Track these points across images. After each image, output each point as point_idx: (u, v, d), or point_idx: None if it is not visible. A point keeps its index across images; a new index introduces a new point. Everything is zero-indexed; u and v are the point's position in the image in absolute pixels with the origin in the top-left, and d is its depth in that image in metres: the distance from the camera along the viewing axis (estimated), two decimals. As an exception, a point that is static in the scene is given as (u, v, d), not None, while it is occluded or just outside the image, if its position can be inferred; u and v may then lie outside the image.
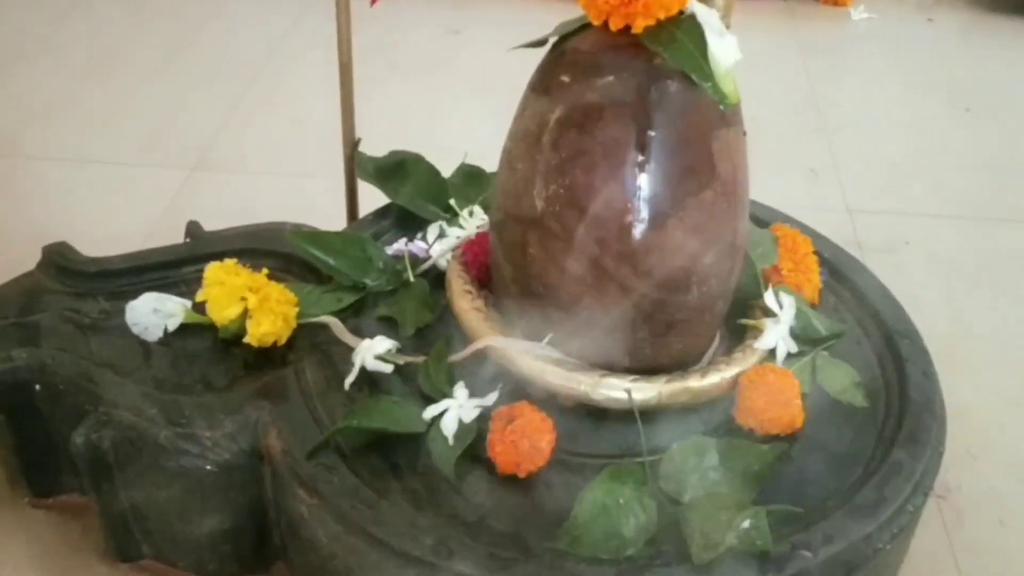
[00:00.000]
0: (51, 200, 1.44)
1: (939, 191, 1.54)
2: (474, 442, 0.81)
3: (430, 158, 1.09)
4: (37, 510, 0.98)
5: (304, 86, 1.76)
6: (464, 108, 1.65)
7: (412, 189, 1.08)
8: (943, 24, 2.11)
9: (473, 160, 1.11)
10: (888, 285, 1.01)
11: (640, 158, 0.75)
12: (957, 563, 0.95)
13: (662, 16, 0.73)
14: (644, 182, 0.75)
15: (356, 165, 1.09)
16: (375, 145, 1.09)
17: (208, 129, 1.63)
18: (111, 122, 1.65)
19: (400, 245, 1.02)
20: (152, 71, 1.83)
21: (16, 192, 1.47)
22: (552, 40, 0.81)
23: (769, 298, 0.90)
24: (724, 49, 0.74)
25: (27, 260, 1.03)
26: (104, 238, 1.11)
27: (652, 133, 0.74)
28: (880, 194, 1.50)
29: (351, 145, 1.09)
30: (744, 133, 0.80)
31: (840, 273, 1.03)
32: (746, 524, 0.72)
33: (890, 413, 0.88)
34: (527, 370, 0.83)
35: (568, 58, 0.78)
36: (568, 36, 0.79)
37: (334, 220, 1.10)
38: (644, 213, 0.76)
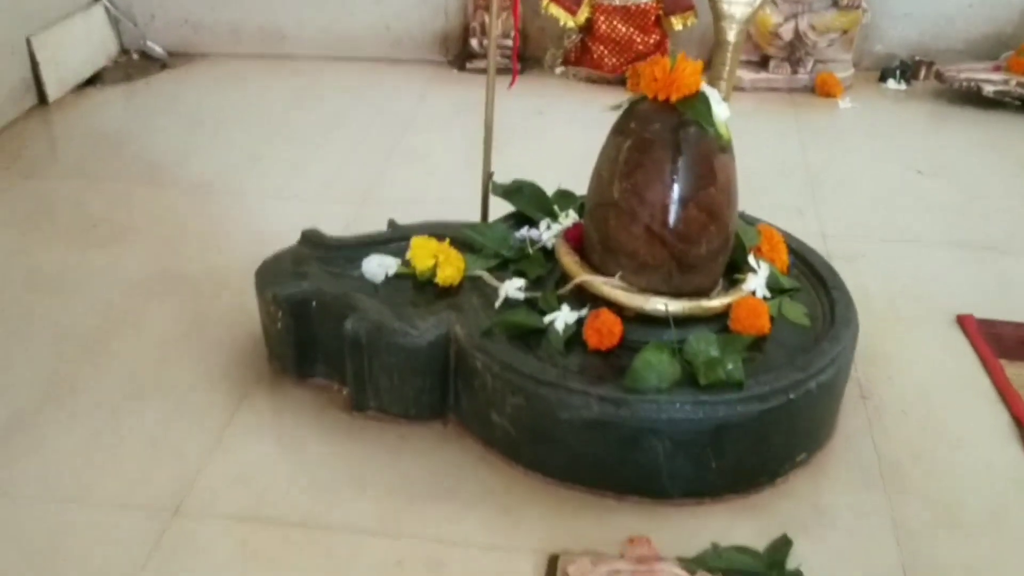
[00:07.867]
0: (271, 217, 2.09)
1: (890, 224, 2.13)
2: (574, 334, 1.41)
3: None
4: (298, 388, 1.59)
5: (430, 147, 2.42)
6: (548, 160, 2.29)
7: (528, 202, 1.71)
8: (905, 110, 2.73)
9: (563, 186, 1.72)
10: (846, 277, 1.59)
11: (673, 169, 1.36)
12: (872, 434, 1.51)
13: (686, 92, 1.35)
14: (675, 182, 1.36)
15: (490, 188, 1.72)
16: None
17: (368, 176, 2.29)
18: (298, 171, 2.33)
19: (524, 232, 1.64)
20: (321, 136, 2.52)
21: (242, 204, 2.14)
22: (625, 105, 1.43)
23: (752, 261, 1.50)
24: (721, 110, 1.36)
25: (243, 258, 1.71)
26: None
27: (680, 155, 1.36)
28: (846, 226, 2.10)
29: (487, 175, 1.73)
30: (733, 158, 1.41)
31: (801, 255, 1.63)
32: (730, 366, 1.31)
33: (823, 328, 1.46)
34: (607, 293, 1.43)
35: (634, 114, 1.40)
36: (635, 103, 1.41)
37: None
38: (675, 199, 1.36)
